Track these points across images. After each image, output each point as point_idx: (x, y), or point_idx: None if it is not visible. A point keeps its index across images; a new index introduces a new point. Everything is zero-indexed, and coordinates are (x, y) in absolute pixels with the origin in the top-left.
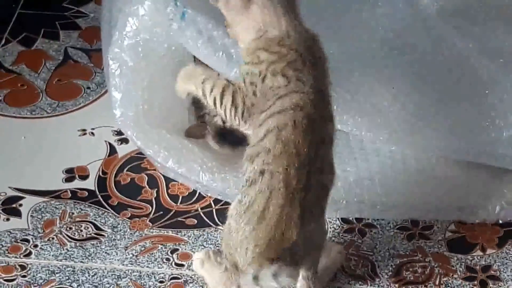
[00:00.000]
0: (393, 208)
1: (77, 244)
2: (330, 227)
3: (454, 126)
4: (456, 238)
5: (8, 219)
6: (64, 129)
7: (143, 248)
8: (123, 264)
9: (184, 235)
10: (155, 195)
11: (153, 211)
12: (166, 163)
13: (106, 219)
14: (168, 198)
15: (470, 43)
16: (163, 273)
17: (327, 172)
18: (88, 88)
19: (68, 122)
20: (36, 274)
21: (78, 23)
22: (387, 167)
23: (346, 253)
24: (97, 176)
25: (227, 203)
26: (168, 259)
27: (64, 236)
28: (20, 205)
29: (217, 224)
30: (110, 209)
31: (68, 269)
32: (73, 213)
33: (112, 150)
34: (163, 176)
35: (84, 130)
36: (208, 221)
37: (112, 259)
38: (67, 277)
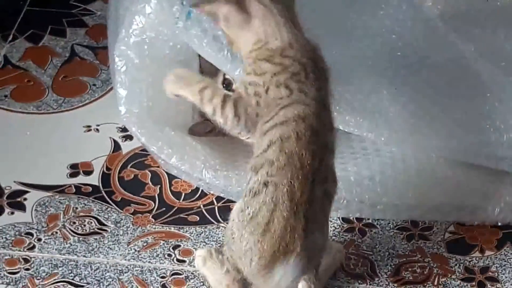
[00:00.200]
0: (393, 208)
1: (80, 238)
2: (331, 226)
3: (454, 127)
4: (455, 239)
5: (12, 213)
6: (69, 125)
7: (145, 244)
8: (125, 259)
9: (186, 231)
10: (158, 191)
11: (156, 207)
12: (170, 160)
13: (109, 214)
14: (171, 195)
15: (472, 46)
16: (164, 268)
17: (331, 180)
18: (94, 85)
19: (74, 118)
20: (39, 268)
21: (85, 20)
22: (387, 167)
23: (346, 252)
24: (101, 172)
25: (230, 201)
26: (170, 255)
27: (67, 231)
28: (25, 199)
29: (219, 222)
30: (113, 204)
31: (71, 263)
32: (76, 208)
33: (117, 147)
34: (166, 173)
35: (89, 126)
36: (210, 218)
37: (115, 254)
38: (70, 271)
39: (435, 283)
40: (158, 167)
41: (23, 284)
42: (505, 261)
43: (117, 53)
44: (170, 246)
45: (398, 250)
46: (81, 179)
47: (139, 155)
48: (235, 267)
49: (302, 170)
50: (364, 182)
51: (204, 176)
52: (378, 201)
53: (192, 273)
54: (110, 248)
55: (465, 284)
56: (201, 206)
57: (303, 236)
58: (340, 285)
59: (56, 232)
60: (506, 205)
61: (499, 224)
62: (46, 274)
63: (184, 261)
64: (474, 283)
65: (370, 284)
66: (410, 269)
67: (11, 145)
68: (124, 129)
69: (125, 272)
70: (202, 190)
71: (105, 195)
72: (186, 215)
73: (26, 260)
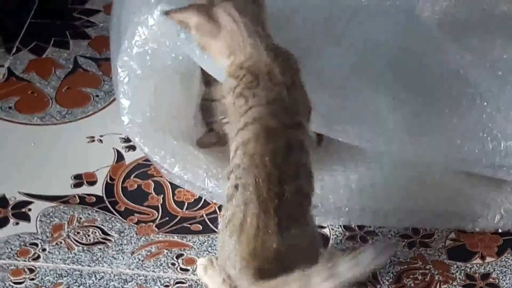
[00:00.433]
0: (394, 215)
1: (85, 248)
2: (332, 234)
3: (452, 136)
4: (456, 246)
5: (17, 223)
6: (73, 136)
7: (149, 253)
8: (129, 268)
9: (189, 240)
10: (161, 201)
11: (159, 216)
12: (173, 169)
13: (113, 224)
14: (174, 204)
15: (469, 55)
16: (168, 277)
17: (304, 177)
18: (97, 96)
19: (77, 129)
20: (44, 277)
21: (87, 32)
22: (388, 175)
23: None
24: (104, 182)
25: None
26: (173, 264)
27: (72, 241)
28: (29, 209)
29: None
30: (117, 214)
31: (76, 272)
32: (81, 218)
33: (120, 157)
34: (169, 182)
35: (92, 137)
36: (213, 227)
37: (119, 263)
38: (74, 281)
39: None
40: (161, 176)
41: None
42: (505, 267)
43: (120, 64)
44: (173, 255)
45: (400, 257)
46: (85, 189)
47: (142, 165)
48: (227, 274)
49: (265, 168)
50: (366, 189)
51: (206, 185)
52: (380, 208)
53: (195, 282)
54: (114, 258)
55: None
56: (204, 215)
57: (277, 232)
58: None
59: (61, 242)
60: (506, 212)
61: (500, 231)
62: (51, 284)
63: (187, 270)
64: None
65: None
66: (411, 276)
67: (15, 156)
68: (127, 140)
69: (129, 281)
70: (204, 199)
71: (108, 205)
72: (189, 224)
73: (31, 270)
